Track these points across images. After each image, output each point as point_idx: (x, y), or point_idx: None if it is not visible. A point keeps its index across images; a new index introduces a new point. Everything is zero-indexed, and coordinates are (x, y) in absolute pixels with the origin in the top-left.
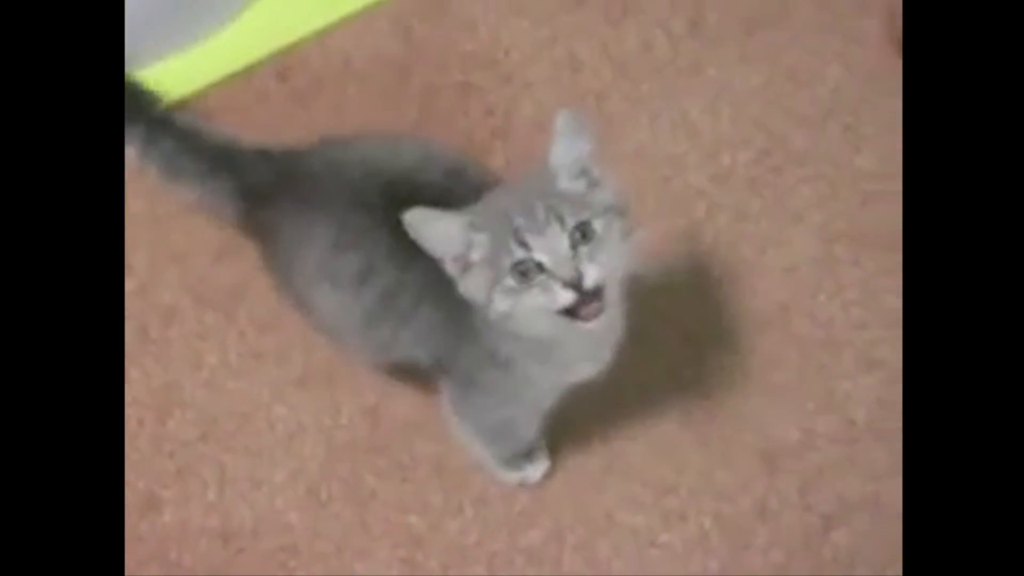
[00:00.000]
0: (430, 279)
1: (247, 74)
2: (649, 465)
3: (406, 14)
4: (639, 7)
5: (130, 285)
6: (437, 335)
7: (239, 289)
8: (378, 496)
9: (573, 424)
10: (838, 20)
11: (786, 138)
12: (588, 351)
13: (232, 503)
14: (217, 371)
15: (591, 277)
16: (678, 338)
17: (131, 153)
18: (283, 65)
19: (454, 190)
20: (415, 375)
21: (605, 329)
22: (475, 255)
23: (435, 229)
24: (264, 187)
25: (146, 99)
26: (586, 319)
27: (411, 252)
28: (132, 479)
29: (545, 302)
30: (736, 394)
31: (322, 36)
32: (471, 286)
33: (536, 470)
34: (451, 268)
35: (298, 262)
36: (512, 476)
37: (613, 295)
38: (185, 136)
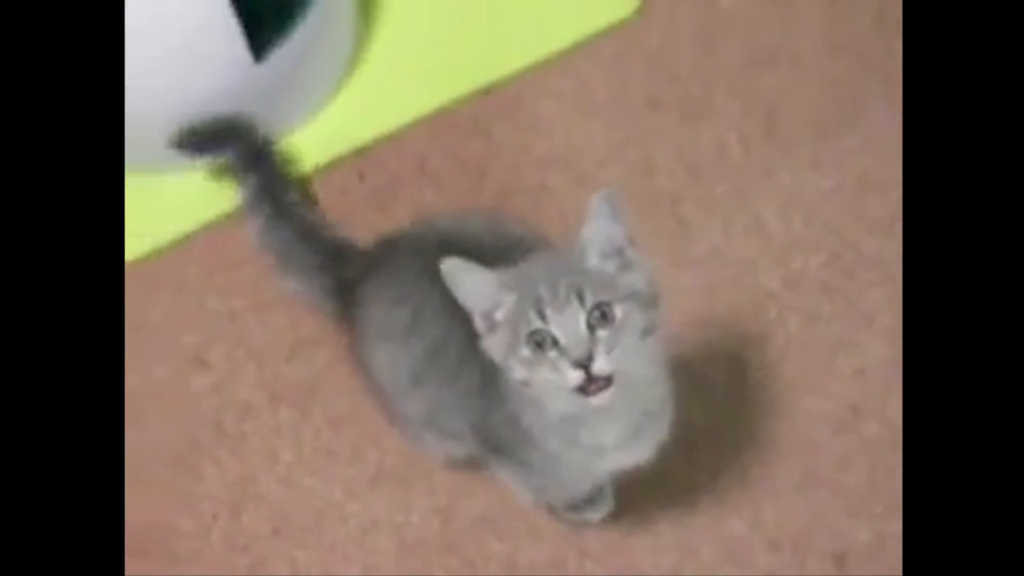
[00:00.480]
0: (472, 339)
1: (329, 169)
2: (720, 566)
3: (481, 115)
4: (713, 111)
5: (207, 381)
6: (472, 399)
7: (313, 386)
8: None
9: (645, 523)
10: None
11: (857, 242)
12: (617, 439)
13: None
14: (292, 467)
15: (601, 362)
16: (748, 439)
17: (252, 232)
18: (361, 164)
19: (509, 253)
20: (485, 472)
21: (633, 418)
22: (499, 315)
23: (468, 281)
24: (355, 278)
25: (279, 184)
26: (592, 395)
27: (457, 308)
28: (205, 572)
29: (554, 380)
30: (807, 496)
31: (399, 137)
32: (493, 346)
33: (596, 512)
34: (479, 323)
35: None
36: (571, 516)
37: (631, 379)
38: (305, 228)
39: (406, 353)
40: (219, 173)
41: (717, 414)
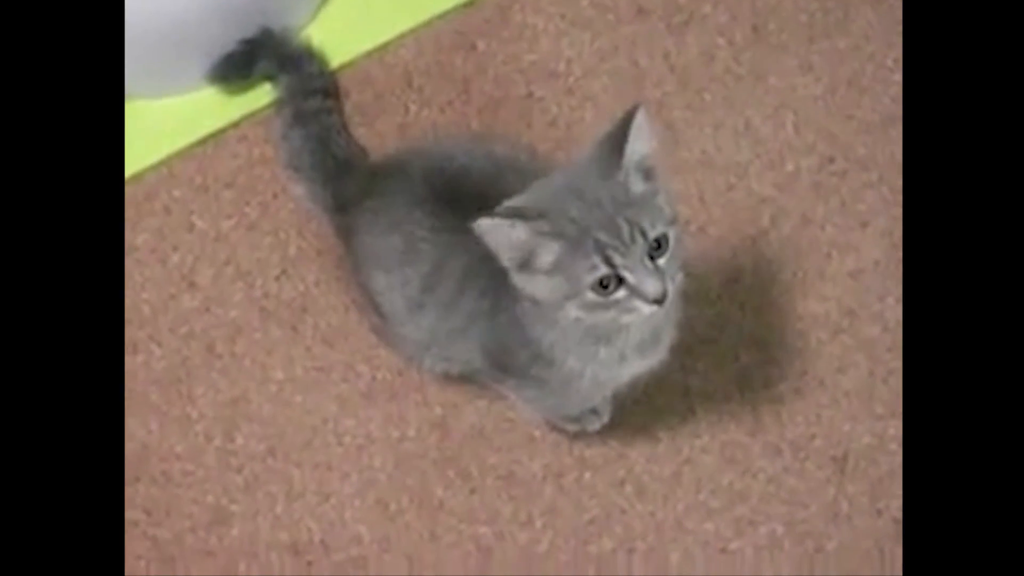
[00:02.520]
0: (473, 266)
1: None
2: (719, 472)
3: (466, 28)
4: (700, 17)
5: (195, 301)
6: (482, 325)
7: (304, 303)
8: (447, 507)
9: (643, 432)
10: (898, 26)
11: (849, 144)
12: (638, 346)
13: (301, 516)
14: (284, 386)
15: (671, 293)
16: (746, 345)
17: (275, 133)
18: (344, 82)
19: (499, 177)
20: (480, 384)
21: (655, 323)
22: (542, 261)
23: (503, 236)
24: (351, 201)
25: (305, 88)
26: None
27: (452, 237)
28: (200, 494)
29: (630, 320)
30: (806, 400)
31: (382, 52)
32: (536, 289)
33: (597, 422)
34: (506, 263)
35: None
36: (571, 427)
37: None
38: (319, 137)
39: (402, 281)
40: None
41: (714, 320)
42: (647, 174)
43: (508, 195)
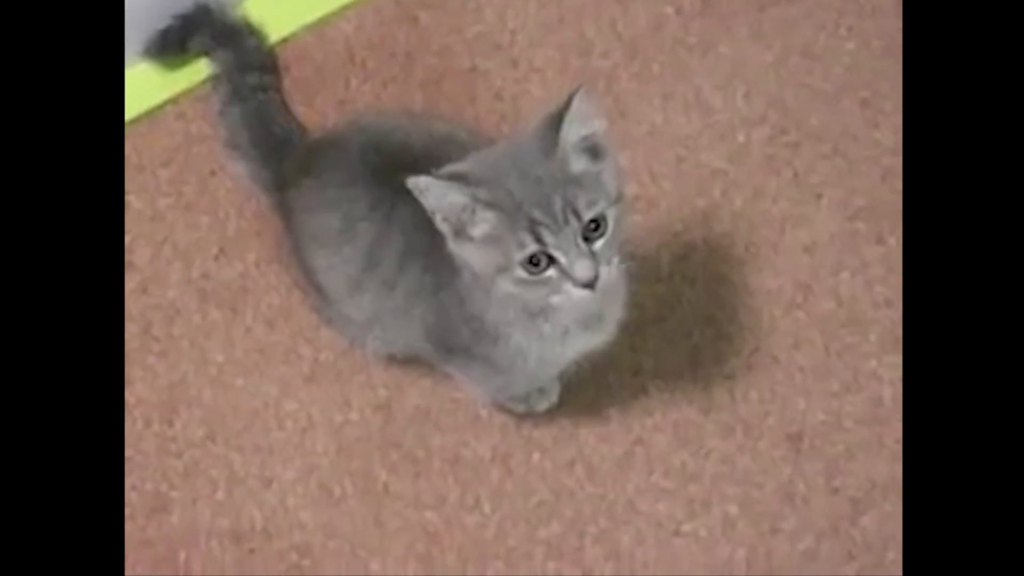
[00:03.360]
0: (414, 243)
1: None
2: (671, 452)
3: (408, 0)
4: None
5: (132, 283)
6: (424, 302)
7: (244, 285)
8: (392, 492)
9: (593, 411)
10: None
11: (802, 115)
12: (580, 323)
13: (242, 503)
14: (224, 368)
15: (604, 275)
16: (698, 321)
17: (213, 109)
18: (283, 56)
19: (439, 152)
20: (425, 364)
21: (599, 303)
22: (477, 231)
23: (440, 196)
24: (288, 180)
25: (243, 64)
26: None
27: (391, 213)
28: (138, 481)
29: (557, 301)
30: (759, 377)
31: (322, 26)
32: (469, 258)
33: (545, 402)
34: (442, 226)
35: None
36: (518, 408)
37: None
38: (258, 114)
39: (341, 259)
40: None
41: (665, 296)
42: (593, 152)
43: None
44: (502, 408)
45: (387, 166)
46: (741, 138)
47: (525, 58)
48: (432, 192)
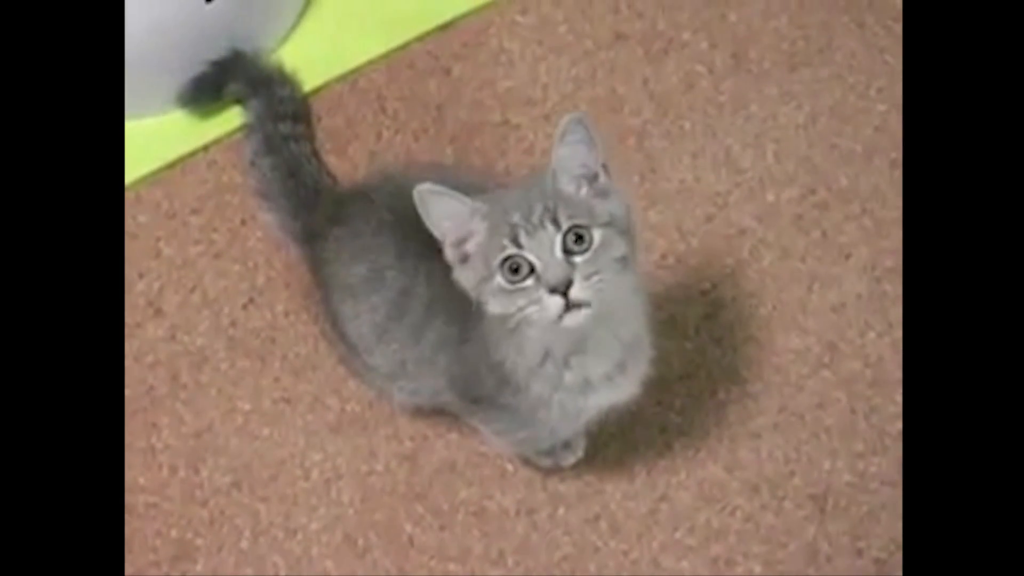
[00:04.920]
0: (440, 293)
1: None
2: (696, 510)
3: (440, 53)
4: (680, 43)
5: (160, 329)
6: (449, 352)
7: (272, 334)
8: (416, 544)
9: (618, 467)
10: (882, 55)
11: (831, 175)
12: (602, 374)
13: (266, 552)
14: (250, 417)
15: (578, 287)
16: (725, 379)
17: (245, 157)
18: (316, 106)
19: None
20: (451, 417)
21: (615, 349)
22: (471, 246)
23: (441, 207)
24: (318, 231)
25: (275, 113)
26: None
27: (418, 263)
28: (163, 528)
29: (532, 312)
30: (785, 436)
31: (355, 76)
32: (466, 278)
33: (571, 456)
34: (450, 255)
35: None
36: (544, 462)
37: (610, 308)
38: (288, 165)
39: (369, 308)
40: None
41: (691, 354)
42: (591, 181)
43: None
44: (528, 463)
45: (414, 216)
46: (770, 197)
47: (557, 113)
48: (433, 201)
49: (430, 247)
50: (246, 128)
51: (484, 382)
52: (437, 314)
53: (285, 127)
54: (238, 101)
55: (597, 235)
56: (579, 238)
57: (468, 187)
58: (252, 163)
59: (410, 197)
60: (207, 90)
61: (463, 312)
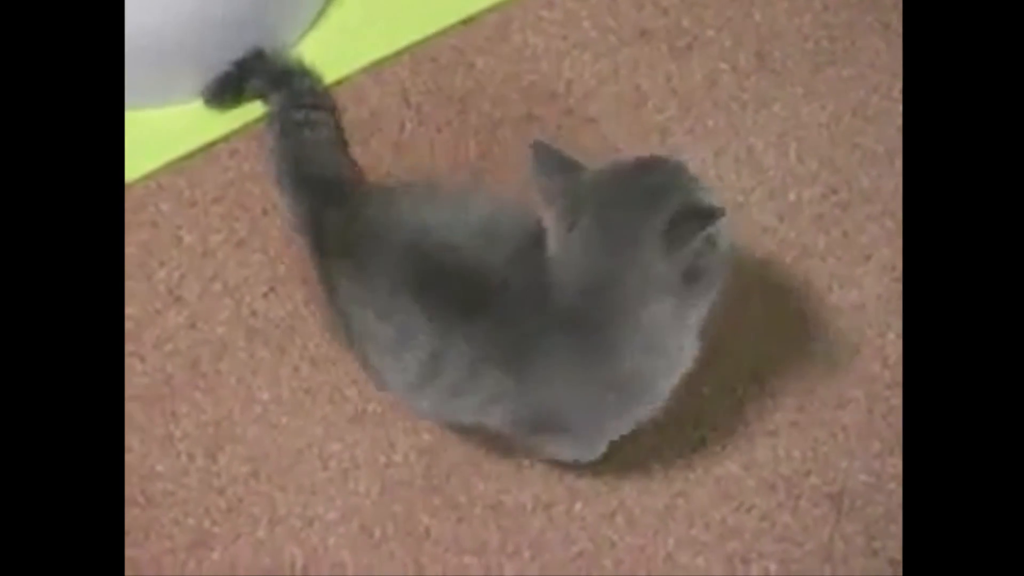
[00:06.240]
0: (489, 348)
1: None
2: (712, 507)
3: (464, 46)
4: (704, 40)
5: (180, 318)
6: (510, 401)
7: (292, 323)
8: (433, 536)
9: (635, 463)
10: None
11: (853, 175)
12: None
13: (283, 541)
14: (269, 407)
15: None
16: (743, 377)
17: (267, 143)
18: (339, 98)
19: (485, 249)
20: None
21: None
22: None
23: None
24: (330, 239)
25: (293, 102)
26: None
27: (452, 322)
28: (181, 516)
29: None
30: (803, 435)
31: (378, 69)
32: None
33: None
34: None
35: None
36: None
37: None
38: (302, 154)
39: (400, 366)
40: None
41: (711, 352)
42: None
43: (497, 268)
44: (546, 459)
45: (434, 271)
46: (792, 196)
47: (580, 108)
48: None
49: (464, 305)
50: (268, 117)
51: (550, 419)
52: (487, 369)
53: (299, 115)
54: (260, 96)
55: None
56: None
57: (481, 224)
58: (271, 150)
59: (425, 248)
60: (229, 89)
61: (522, 353)
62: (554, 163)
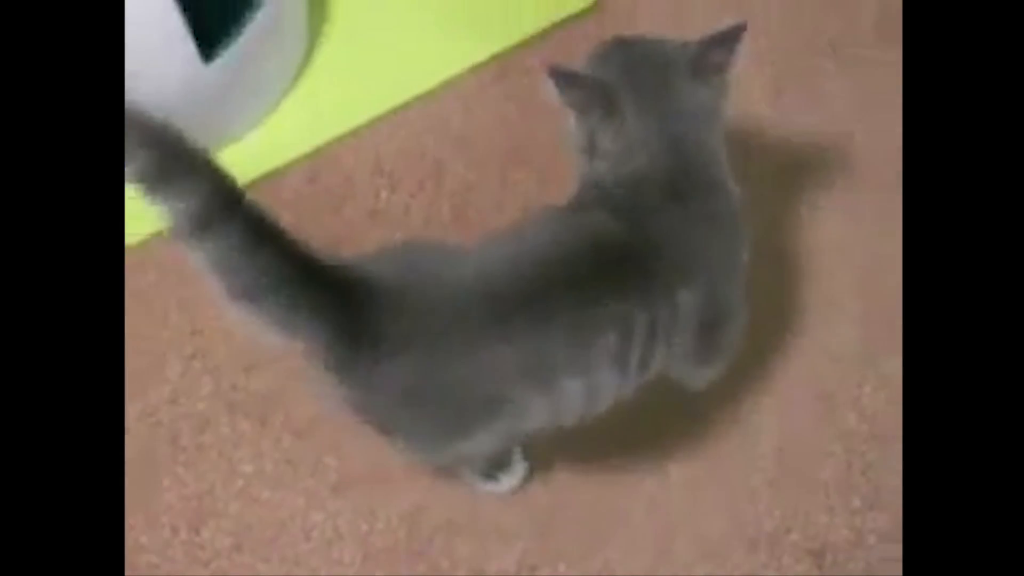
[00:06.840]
0: (494, 399)
1: (277, 176)
2: (696, 565)
3: (444, 110)
4: None
5: (163, 393)
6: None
7: (273, 396)
8: None
9: (618, 522)
10: None
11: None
12: None
13: None
14: (252, 479)
15: None
16: (722, 433)
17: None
18: (315, 164)
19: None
20: (449, 474)
21: None
22: None
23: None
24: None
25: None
26: None
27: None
28: None
29: None
30: (782, 492)
31: (353, 137)
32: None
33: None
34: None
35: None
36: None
37: None
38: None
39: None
40: None
41: (690, 407)
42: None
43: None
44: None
45: (549, 284)
46: None
47: (554, 171)
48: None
49: (614, 283)
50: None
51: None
52: (500, 410)
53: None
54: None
55: None
56: None
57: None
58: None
59: (525, 274)
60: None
61: (686, 274)
62: (572, 78)
